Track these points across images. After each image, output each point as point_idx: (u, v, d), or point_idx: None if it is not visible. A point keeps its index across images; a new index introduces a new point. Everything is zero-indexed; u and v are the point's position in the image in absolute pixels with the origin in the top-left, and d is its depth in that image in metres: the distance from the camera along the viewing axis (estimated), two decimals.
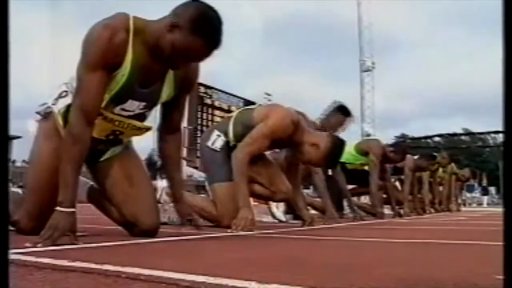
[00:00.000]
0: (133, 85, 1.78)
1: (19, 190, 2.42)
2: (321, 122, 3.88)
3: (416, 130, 65.31)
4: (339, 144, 2.87)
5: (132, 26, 1.72)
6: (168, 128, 2.09)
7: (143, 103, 1.90)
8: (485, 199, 22.16)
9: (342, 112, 3.91)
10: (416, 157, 6.25)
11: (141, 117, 1.96)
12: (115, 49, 1.68)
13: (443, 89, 71.84)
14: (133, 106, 1.88)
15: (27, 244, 1.44)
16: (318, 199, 4.88)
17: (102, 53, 1.66)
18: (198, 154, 3.20)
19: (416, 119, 72.14)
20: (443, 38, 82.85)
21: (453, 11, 76.59)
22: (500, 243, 0.49)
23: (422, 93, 75.08)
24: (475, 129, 45.26)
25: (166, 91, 1.92)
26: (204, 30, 1.69)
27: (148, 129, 2.00)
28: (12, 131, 0.57)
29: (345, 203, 5.30)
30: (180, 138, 2.16)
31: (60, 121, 1.94)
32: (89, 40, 1.69)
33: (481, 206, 17.90)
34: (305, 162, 2.94)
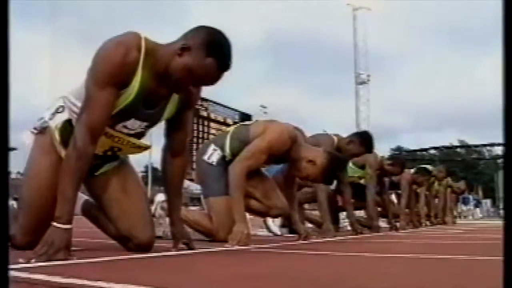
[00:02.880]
0: (138, 105, 1.79)
1: (14, 203, 2.41)
2: (340, 141, 3.95)
3: (408, 143, 65.55)
4: (335, 161, 2.89)
5: (143, 46, 1.73)
6: (172, 149, 2.07)
7: (145, 123, 1.90)
8: (477, 211, 22.23)
9: (366, 147, 4.00)
10: (412, 171, 6.26)
11: (140, 135, 1.96)
12: (127, 67, 1.69)
13: (434, 102, 72.15)
14: (135, 125, 1.88)
15: (21, 260, 1.42)
16: (313, 212, 4.87)
17: (114, 70, 1.67)
18: (194, 166, 3.22)
19: (408, 132, 72.31)
20: (434, 53, 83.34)
21: (443, 27, 77.13)
22: (495, 258, 0.49)
23: (414, 106, 75.50)
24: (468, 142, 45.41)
25: (168, 111, 1.93)
26: (217, 52, 1.73)
27: (146, 148, 2.00)
28: None
29: (342, 216, 5.30)
30: (185, 163, 2.13)
31: (56, 136, 1.93)
32: (101, 56, 1.70)
33: (475, 218, 17.92)
34: (303, 178, 2.94)
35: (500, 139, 0.52)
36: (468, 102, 78.55)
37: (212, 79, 1.79)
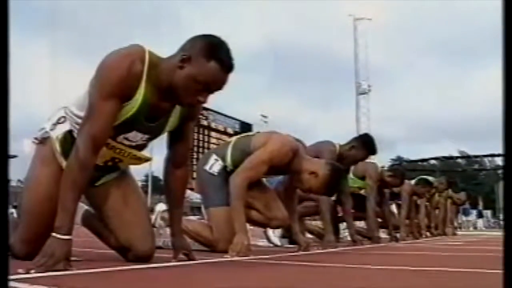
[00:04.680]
0: (140, 118, 1.79)
1: (13, 211, 2.40)
2: (341, 147, 3.94)
3: (408, 153, 65.42)
4: (337, 172, 2.88)
5: (147, 59, 1.73)
6: (174, 160, 2.06)
7: (147, 136, 1.90)
8: (480, 221, 22.24)
9: (368, 149, 3.99)
10: (413, 182, 6.25)
11: (142, 146, 1.96)
12: (131, 80, 1.69)
13: (434, 113, 72.21)
14: (137, 137, 1.88)
15: (20, 270, 1.42)
16: (313, 222, 4.87)
17: (119, 81, 1.66)
18: (194, 176, 3.24)
19: (408, 142, 72.41)
20: (434, 63, 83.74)
21: (444, 38, 77.43)
22: (496, 271, 0.49)
23: (413, 117, 75.72)
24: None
25: (171, 124, 1.93)
26: (217, 54, 1.72)
27: (147, 160, 1.99)
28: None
29: (342, 227, 5.29)
30: (187, 174, 2.12)
31: (57, 147, 1.93)
32: (106, 67, 1.69)
33: (476, 230, 17.90)
34: (306, 190, 2.93)
35: (500, 149, 0.52)
36: (468, 113, 78.67)
37: (219, 82, 1.77)
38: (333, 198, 4.31)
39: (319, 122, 76.20)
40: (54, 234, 1.56)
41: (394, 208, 6.51)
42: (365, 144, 4.03)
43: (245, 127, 14.93)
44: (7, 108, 0.54)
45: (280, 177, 3.34)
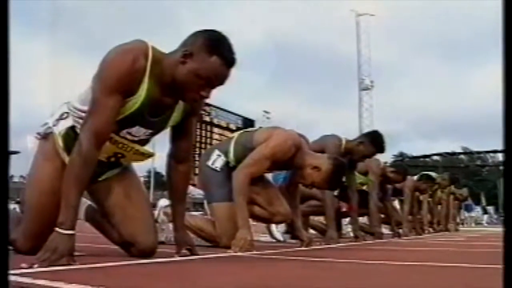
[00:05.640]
0: (143, 113, 1.79)
1: (16, 207, 2.41)
2: (348, 143, 3.91)
3: (410, 150, 65.26)
4: (340, 166, 2.88)
5: (151, 55, 1.73)
6: (176, 155, 2.07)
7: (150, 131, 1.90)
8: (485, 217, 22.24)
9: (377, 147, 3.96)
10: (415, 178, 6.25)
11: (144, 141, 1.97)
12: (134, 75, 1.69)
13: (433, 110, 72.15)
14: (140, 132, 1.88)
15: (23, 265, 1.42)
16: (316, 218, 4.87)
17: (122, 77, 1.66)
18: (196, 171, 3.23)
19: (410, 139, 72.29)
20: (437, 60, 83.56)
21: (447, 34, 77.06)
22: (497, 266, 0.49)
23: (416, 113, 75.63)
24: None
25: (173, 120, 1.93)
26: (219, 49, 1.73)
27: (150, 155, 2.00)
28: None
29: (344, 222, 5.29)
30: (190, 171, 2.12)
31: (60, 143, 1.94)
32: (109, 62, 1.70)
33: (479, 226, 17.91)
34: (309, 185, 2.93)
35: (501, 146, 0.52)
36: (470, 110, 78.60)
37: (221, 77, 1.78)
38: (335, 193, 4.31)
39: (322, 118, 76.04)
40: (57, 229, 1.57)
41: (396, 204, 6.51)
42: (374, 141, 4.00)
43: (248, 123, 14.90)
44: (7, 104, 0.54)
45: (283, 174, 3.34)
